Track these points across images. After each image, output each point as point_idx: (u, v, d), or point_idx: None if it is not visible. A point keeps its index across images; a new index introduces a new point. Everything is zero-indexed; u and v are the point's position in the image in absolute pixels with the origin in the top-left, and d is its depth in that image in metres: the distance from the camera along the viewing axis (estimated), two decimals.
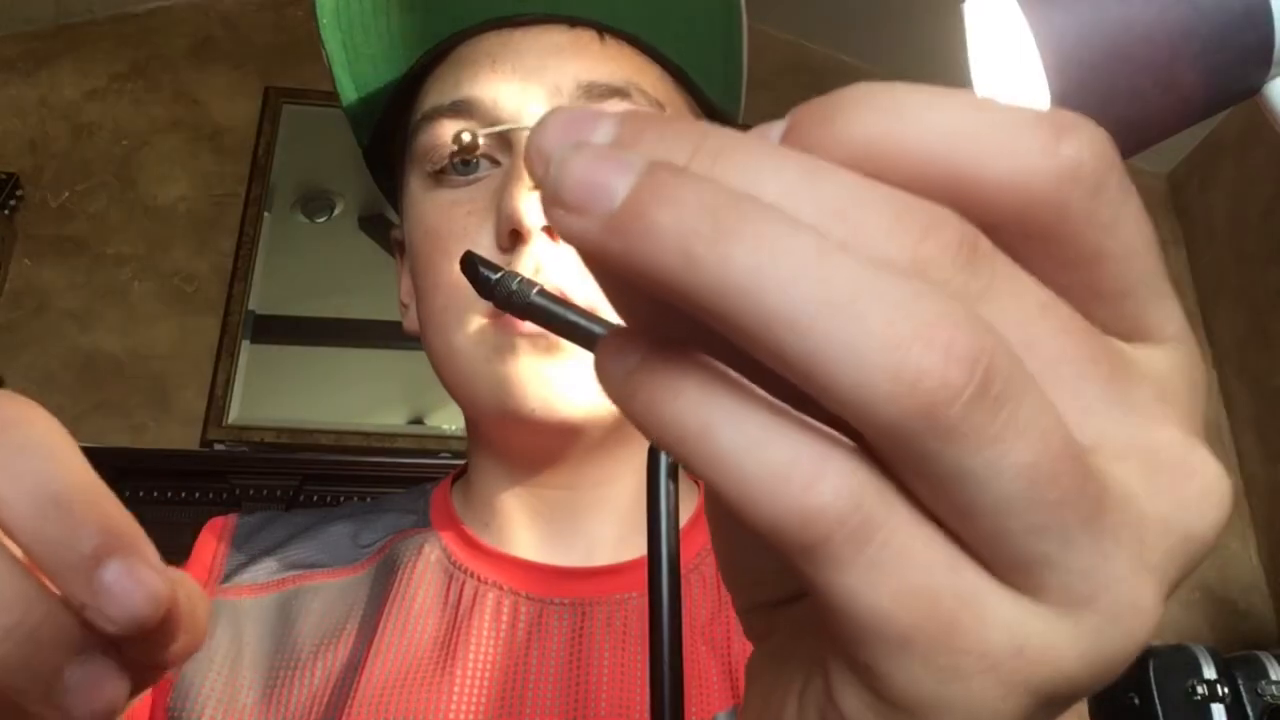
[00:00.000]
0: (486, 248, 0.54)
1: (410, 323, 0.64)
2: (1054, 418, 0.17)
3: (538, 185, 0.17)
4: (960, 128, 0.18)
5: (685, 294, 0.16)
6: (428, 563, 0.57)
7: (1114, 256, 0.18)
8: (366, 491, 2.05)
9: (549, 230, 0.52)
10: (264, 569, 0.59)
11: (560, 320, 0.42)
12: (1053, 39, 0.46)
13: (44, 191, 2.57)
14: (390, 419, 2.43)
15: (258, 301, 2.52)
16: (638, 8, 0.58)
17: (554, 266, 0.52)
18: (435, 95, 0.58)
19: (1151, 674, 1.80)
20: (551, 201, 0.17)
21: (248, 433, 2.34)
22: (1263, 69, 0.48)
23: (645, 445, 0.55)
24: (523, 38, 0.58)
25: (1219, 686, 1.77)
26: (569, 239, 0.17)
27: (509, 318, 0.52)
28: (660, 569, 0.32)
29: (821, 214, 0.17)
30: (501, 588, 0.56)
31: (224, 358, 2.42)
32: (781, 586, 0.24)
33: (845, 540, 0.16)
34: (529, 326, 0.51)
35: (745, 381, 0.17)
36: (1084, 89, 0.46)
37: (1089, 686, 0.19)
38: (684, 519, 0.61)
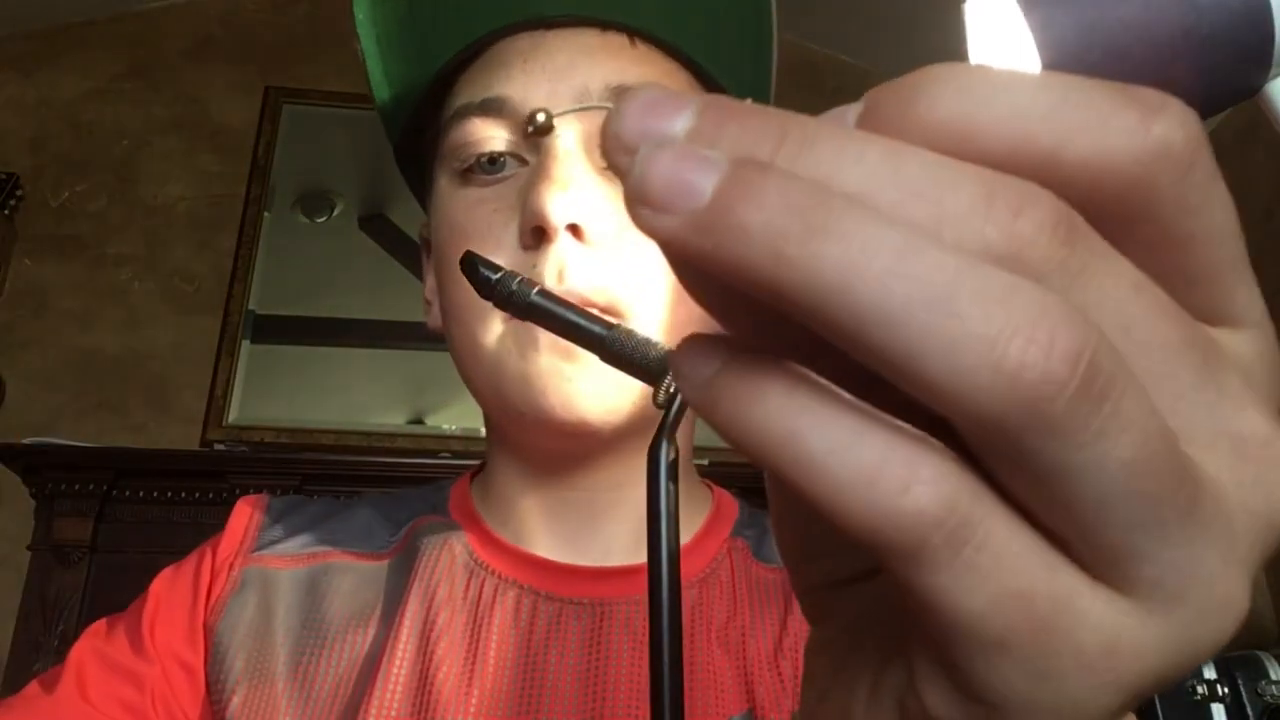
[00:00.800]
0: (510, 245, 0.54)
1: (434, 319, 0.64)
2: (1152, 410, 0.16)
3: (619, 175, 0.17)
4: (1047, 106, 0.17)
5: (776, 291, 0.16)
6: (452, 556, 0.58)
7: (1202, 240, 0.18)
8: (366, 491, 2.05)
9: (574, 229, 0.52)
10: (295, 543, 0.60)
11: (560, 320, 0.42)
12: (1052, 39, 0.46)
13: (44, 191, 2.57)
14: (390, 419, 2.43)
15: (258, 301, 2.52)
16: (668, 12, 0.59)
17: (578, 266, 0.52)
18: (467, 93, 0.59)
19: None
20: (636, 200, 0.16)
21: (247, 433, 2.34)
22: (1262, 69, 0.48)
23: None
24: (555, 38, 0.58)
25: (1219, 686, 1.77)
26: (654, 236, 0.16)
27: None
28: (660, 569, 0.32)
29: (912, 198, 0.16)
30: (521, 586, 0.57)
31: (224, 358, 2.42)
32: (849, 565, 0.24)
33: (942, 543, 0.16)
34: None
35: (831, 386, 0.17)
36: None
37: (1175, 680, 0.19)
38: (699, 525, 0.61)
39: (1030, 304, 0.15)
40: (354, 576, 0.58)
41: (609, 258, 0.53)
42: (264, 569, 0.58)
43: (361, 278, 2.50)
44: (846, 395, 0.17)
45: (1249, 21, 0.46)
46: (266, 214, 2.61)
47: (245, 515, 0.63)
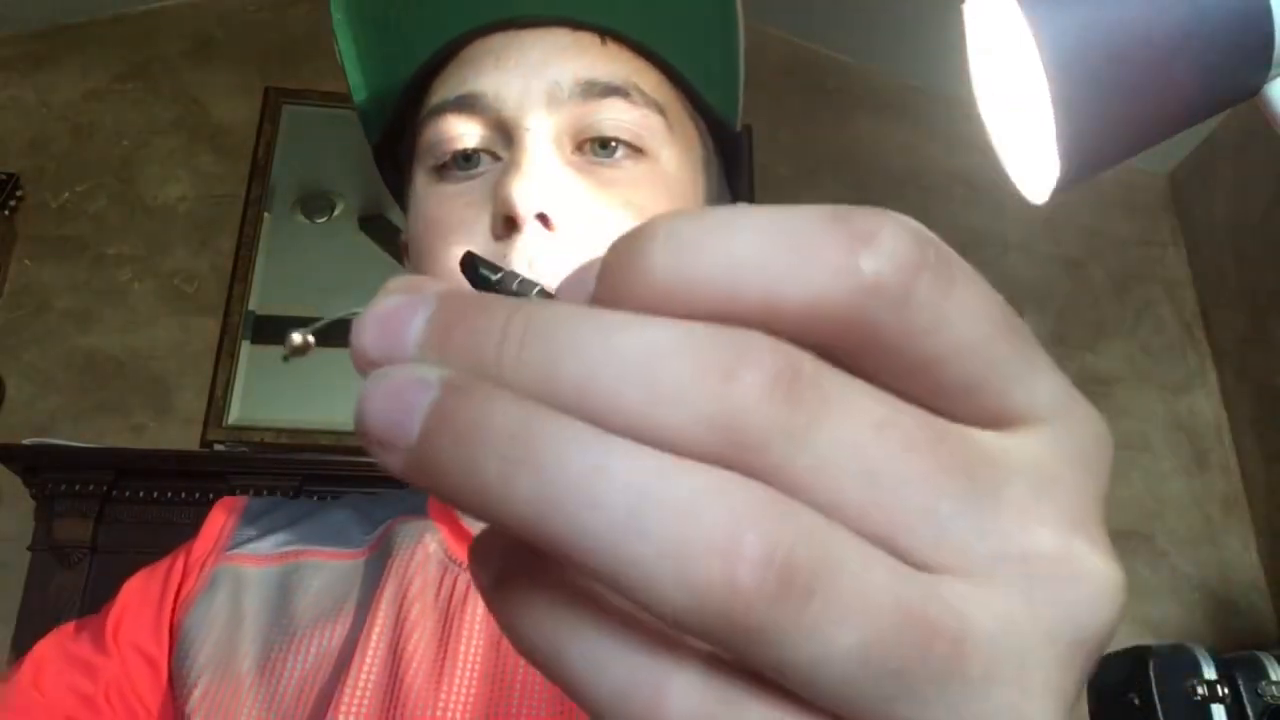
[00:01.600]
0: (483, 236, 0.55)
1: None
2: (880, 583, 0.16)
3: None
4: (756, 251, 0.17)
5: (493, 520, 0.16)
6: (426, 553, 0.58)
7: (946, 357, 0.18)
8: (366, 492, 2.05)
9: (543, 218, 0.53)
10: (269, 542, 0.61)
11: None
12: (1053, 39, 0.46)
13: (44, 192, 2.57)
14: None
15: (258, 302, 2.51)
16: (638, 12, 0.59)
17: (547, 257, 0.53)
18: (441, 91, 0.59)
19: (1151, 674, 1.80)
20: (361, 435, 0.17)
21: (248, 433, 2.34)
22: (1262, 69, 0.48)
23: None
24: (528, 37, 0.59)
25: (1219, 687, 1.77)
26: (387, 471, 0.17)
27: None
28: None
29: (624, 382, 0.16)
30: None
31: (224, 358, 2.42)
32: None
33: None
34: None
35: (592, 591, 0.17)
36: (1084, 89, 0.46)
37: None
38: None
39: (719, 510, 0.15)
40: (326, 574, 0.59)
41: (578, 246, 0.53)
42: (236, 568, 0.59)
43: (362, 278, 2.50)
44: (611, 604, 0.17)
45: (1249, 22, 0.46)
46: (266, 214, 2.61)
47: (221, 516, 0.63)
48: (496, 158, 0.57)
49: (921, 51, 2.75)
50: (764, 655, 0.16)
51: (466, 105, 0.57)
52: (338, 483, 2.07)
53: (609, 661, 0.16)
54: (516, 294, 0.43)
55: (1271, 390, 2.50)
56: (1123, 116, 0.48)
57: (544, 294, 0.43)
